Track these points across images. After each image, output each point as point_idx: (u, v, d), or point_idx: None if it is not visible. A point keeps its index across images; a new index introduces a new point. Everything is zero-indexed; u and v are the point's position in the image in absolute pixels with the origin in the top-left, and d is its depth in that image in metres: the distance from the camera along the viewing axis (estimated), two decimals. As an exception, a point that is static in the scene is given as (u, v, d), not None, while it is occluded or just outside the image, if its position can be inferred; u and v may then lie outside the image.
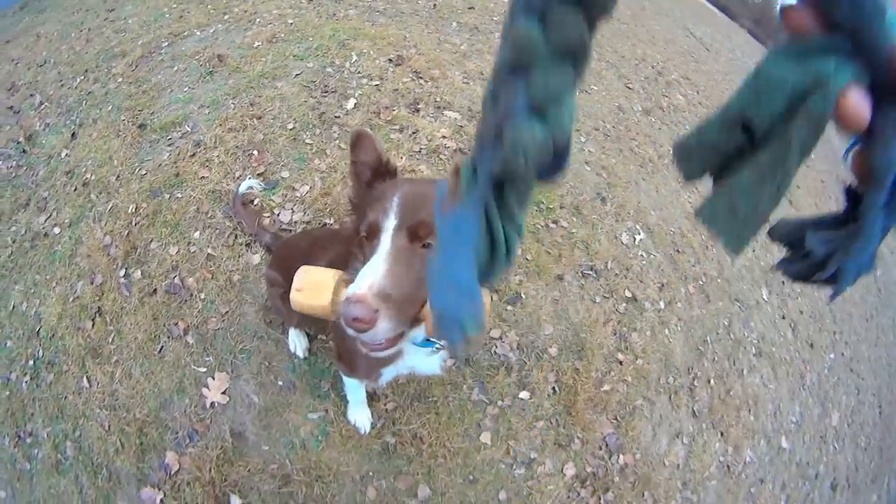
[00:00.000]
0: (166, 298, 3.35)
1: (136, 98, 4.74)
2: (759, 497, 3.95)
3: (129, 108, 4.62)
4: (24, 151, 4.59)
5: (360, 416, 2.98)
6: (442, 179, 1.41)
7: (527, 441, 3.21)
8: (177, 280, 3.40)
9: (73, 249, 3.68)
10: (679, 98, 7.81)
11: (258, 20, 5.71)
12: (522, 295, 3.67)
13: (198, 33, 5.58)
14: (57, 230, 3.84)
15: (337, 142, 4.18)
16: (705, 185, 0.61)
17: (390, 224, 1.34)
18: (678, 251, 4.82)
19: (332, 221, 3.63)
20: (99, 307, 3.39)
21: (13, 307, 3.58)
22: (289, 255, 2.63)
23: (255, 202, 3.74)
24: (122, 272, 3.49)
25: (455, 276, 0.68)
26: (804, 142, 0.49)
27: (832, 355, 6.14)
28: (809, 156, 0.50)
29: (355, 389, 2.75)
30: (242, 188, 3.58)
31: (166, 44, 5.49)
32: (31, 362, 3.32)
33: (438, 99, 4.85)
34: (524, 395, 3.32)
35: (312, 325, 2.93)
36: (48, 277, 3.62)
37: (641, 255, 4.48)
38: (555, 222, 4.21)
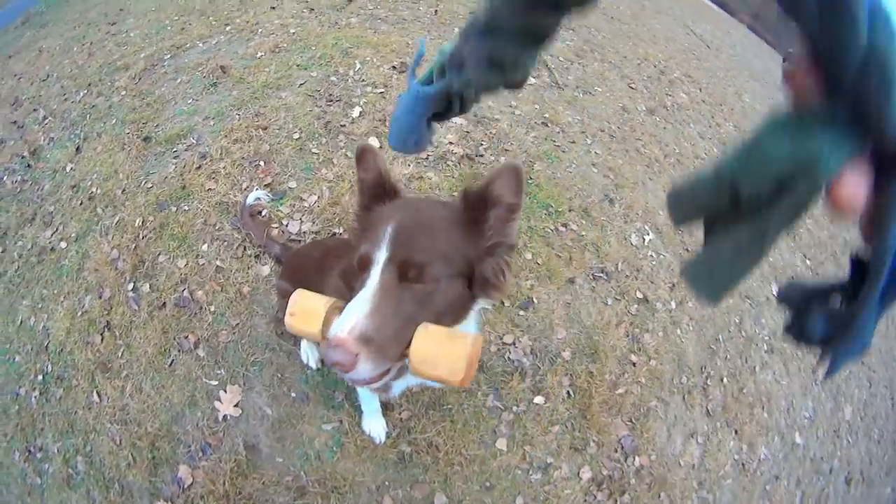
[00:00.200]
0: (176, 312, 3.33)
1: (140, 111, 4.74)
2: (774, 494, 3.92)
3: (133, 121, 4.62)
4: (28, 166, 4.60)
5: (374, 425, 2.95)
6: (445, 202, 1.39)
7: (542, 446, 3.18)
8: (186, 293, 3.38)
9: (81, 264, 3.67)
10: (682, 96, 7.80)
11: (260, 31, 5.71)
12: (534, 299, 3.65)
13: (200, 45, 5.59)
14: (63, 244, 3.84)
15: (343, 150, 4.17)
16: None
17: (381, 257, 1.26)
18: (687, 250, 4.79)
19: (341, 231, 3.61)
20: (108, 321, 3.37)
21: (21, 322, 3.57)
22: (300, 266, 2.61)
23: (263, 213, 3.73)
24: (131, 286, 3.47)
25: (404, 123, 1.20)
26: (784, 223, 0.51)
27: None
28: (790, 230, 0.52)
29: (369, 399, 2.72)
30: (250, 199, 3.57)
31: (169, 56, 5.49)
32: (40, 377, 3.31)
33: (443, 105, 4.81)
34: (539, 399, 3.30)
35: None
36: (56, 292, 3.61)
37: (651, 256, 4.46)
38: (564, 225, 4.20)
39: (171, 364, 3.17)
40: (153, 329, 3.28)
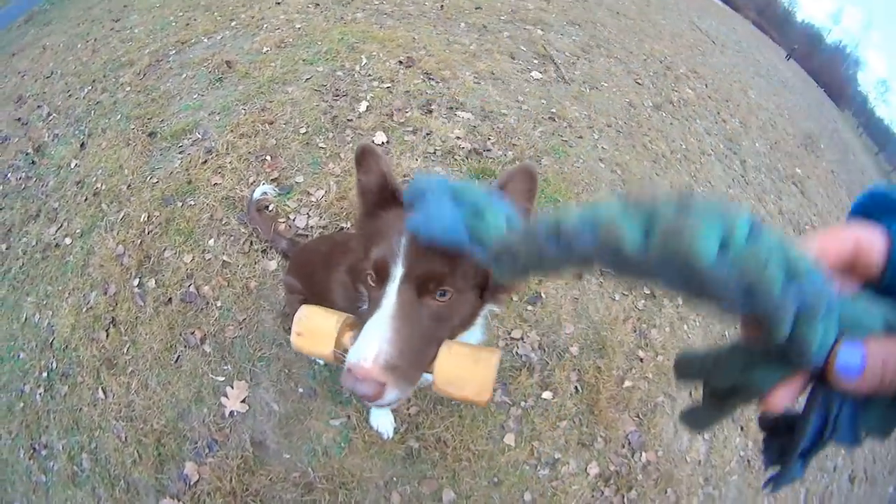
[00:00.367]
0: (182, 307, 3.31)
1: (144, 106, 4.74)
2: (778, 491, 3.91)
3: (138, 117, 4.61)
4: (33, 163, 4.59)
5: (382, 421, 2.94)
6: None
7: (550, 441, 3.17)
8: (192, 288, 3.37)
9: (86, 260, 3.66)
10: (688, 92, 7.79)
11: (265, 26, 5.71)
12: (542, 295, 3.63)
13: (205, 40, 5.58)
14: (68, 241, 3.83)
15: (350, 145, 4.16)
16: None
17: (397, 272, 1.17)
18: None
19: (348, 225, 3.60)
20: (113, 317, 3.36)
21: (25, 319, 3.56)
22: (308, 261, 2.58)
23: (270, 208, 3.71)
24: (136, 282, 3.46)
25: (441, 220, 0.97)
26: (741, 403, 0.67)
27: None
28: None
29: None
30: (257, 194, 3.54)
31: (174, 52, 5.49)
32: (44, 374, 3.30)
33: (450, 99, 4.84)
34: (547, 395, 3.28)
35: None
36: (60, 288, 3.60)
37: (659, 252, 4.44)
38: (572, 220, 4.16)
39: (177, 360, 3.16)
40: (159, 325, 3.26)
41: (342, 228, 3.60)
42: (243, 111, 4.42)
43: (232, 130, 4.21)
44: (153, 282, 3.44)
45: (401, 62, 5.18)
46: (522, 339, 3.42)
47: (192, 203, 3.75)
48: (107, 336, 3.30)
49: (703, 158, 6.36)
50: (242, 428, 2.95)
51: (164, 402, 3.04)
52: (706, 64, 9.89)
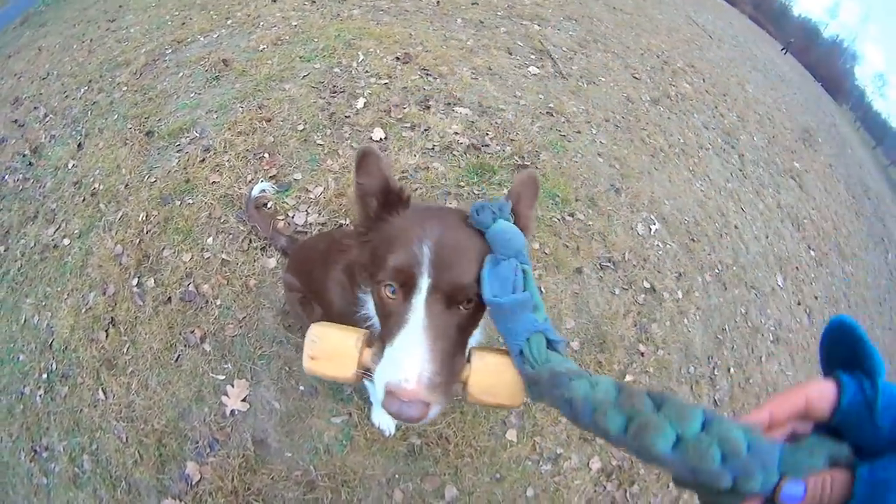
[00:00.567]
0: (181, 306, 3.30)
1: (141, 106, 4.72)
2: (781, 483, 3.92)
3: (135, 117, 4.60)
4: (30, 164, 4.58)
5: (384, 418, 2.92)
6: (463, 211, 1.31)
7: (552, 437, 3.16)
8: (191, 287, 3.36)
9: (84, 260, 3.65)
10: (686, 86, 7.80)
11: (262, 23, 5.70)
12: (542, 289, 3.62)
13: (201, 39, 5.57)
14: (66, 241, 3.81)
15: (349, 141, 4.15)
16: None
17: (424, 283, 1.13)
18: (693, 240, 4.78)
19: (347, 222, 3.59)
20: (112, 317, 3.35)
21: (25, 320, 3.55)
22: (307, 258, 2.57)
23: (269, 205, 3.70)
24: (135, 281, 3.45)
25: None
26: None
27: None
28: None
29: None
30: (255, 191, 3.53)
31: (170, 51, 5.48)
32: (44, 376, 3.28)
33: (448, 95, 4.83)
34: (548, 390, 3.27)
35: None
36: (59, 289, 3.59)
37: (658, 245, 4.45)
38: (571, 215, 4.17)
39: (177, 359, 3.15)
40: (158, 324, 3.25)
41: (341, 225, 3.59)
42: (241, 109, 4.40)
43: (229, 128, 4.20)
44: (152, 281, 3.43)
45: (398, 58, 5.18)
46: (523, 335, 3.41)
47: (191, 202, 3.74)
48: (106, 336, 3.29)
49: (700, 152, 6.36)
50: (243, 427, 2.93)
51: (164, 402, 3.02)
52: (703, 58, 9.89)
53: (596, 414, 0.83)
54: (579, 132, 5.16)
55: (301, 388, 3.02)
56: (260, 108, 4.40)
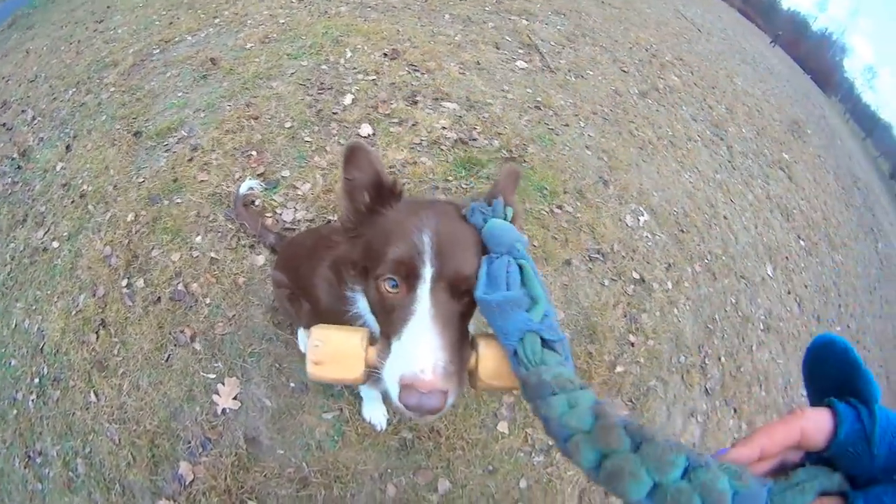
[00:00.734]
0: (171, 306, 3.29)
1: (129, 106, 4.71)
2: (775, 471, 3.95)
3: (123, 117, 4.59)
4: (18, 167, 4.56)
5: (375, 412, 2.93)
6: (455, 202, 1.31)
7: (543, 428, 3.16)
8: (181, 286, 3.35)
9: (74, 262, 3.64)
10: (674, 79, 7.82)
11: (249, 22, 5.69)
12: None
13: (189, 38, 5.57)
14: (56, 244, 3.80)
15: (336, 138, 4.16)
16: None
17: (427, 273, 1.13)
18: (682, 231, 4.81)
19: (335, 218, 3.58)
20: (102, 319, 3.34)
21: (15, 325, 3.54)
22: (294, 255, 2.57)
23: (257, 203, 3.70)
24: (125, 282, 3.44)
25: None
26: None
27: (839, 328, 6.23)
28: None
29: (369, 388, 2.66)
30: (243, 189, 3.54)
31: (157, 51, 5.47)
32: (36, 380, 3.27)
33: (435, 90, 4.84)
34: (539, 382, 3.28)
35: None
36: (49, 293, 3.57)
37: (647, 237, 4.47)
38: (559, 207, 4.19)
39: (167, 359, 3.14)
40: (148, 324, 3.24)
41: (329, 221, 3.59)
42: (228, 107, 4.40)
43: (217, 127, 4.20)
44: (142, 281, 3.42)
45: (385, 54, 5.19)
46: (513, 326, 3.42)
47: (179, 201, 3.73)
48: (97, 338, 3.28)
49: (689, 144, 6.38)
50: (235, 425, 2.93)
51: (156, 403, 3.01)
52: (692, 51, 9.91)
53: (570, 443, 0.79)
54: (567, 125, 5.17)
55: (291, 384, 3.02)
56: (248, 106, 4.40)
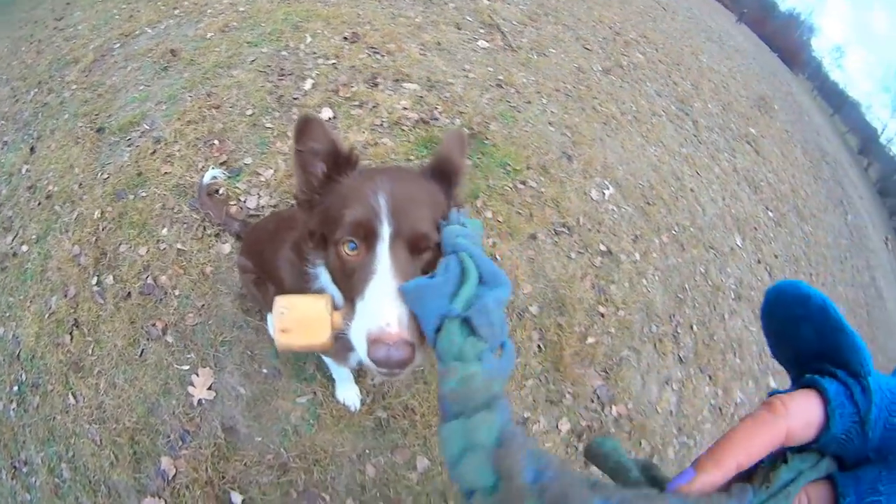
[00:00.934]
0: (141, 300, 3.29)
1: (92, 103, 4.66)
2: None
3: (85, 114, 4.54)
4: (-17, 175, 4.51)
5: (348, 394, 2.96)
6: (410, 168, 1.34)
7: (518, 401, 3.21)
8: (150, 280, 3.34)
9: (44, 265, 3.60)
10: (638, 56, 7.87)
11: (209, 11, 5.64)
12: (498, 257, 3.67)
13: (149, 31, 5.51)
14: (25, 248, 3.76)
15: (298, 123, 4.14)
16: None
17: (384, 231, 1.15)
18: (649, 203, 4.86)
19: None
20: (75, 319, 3.32)
21: (-9, 334, 3.51)
22: (258, 240, 2.58)
23: (221, 191, 3.69)
24: (95, 280, 3.42)
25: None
26: None
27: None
28: None
29: (339, 367, 2.68)
30: (206, 179, 3.54)
31: (118, 45, 5.40)
32: (15, 388, 3.23)
33: (396, 72, 4.85)
34: (510, 355, 3.31)
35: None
36: (21, 298, 3.53)
37: (612, 210, 4.51)
38: (523, 183, 4.23)
39: (141, 354, 3.13)
40: (121, 321, 3.23)
41: (292, 205, 3.59)
42: (189, 98, 4.37)
43: (179, 118, 4.17)
44: (111, 278, 3.41)
45: (345, 38, 5.17)
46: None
47: (144, 194, 3.71)
48: (71, 339, 3.26)
49: (654, 119, 6.44)
50: (212, 415, 2.95)
51: (133, 399, 3.01)
52: (656, 29, 9.97)
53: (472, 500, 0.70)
54: (529, 102, 5.21)
55: (264, 370, 3.04)
56: (209, 95, 4.38)
